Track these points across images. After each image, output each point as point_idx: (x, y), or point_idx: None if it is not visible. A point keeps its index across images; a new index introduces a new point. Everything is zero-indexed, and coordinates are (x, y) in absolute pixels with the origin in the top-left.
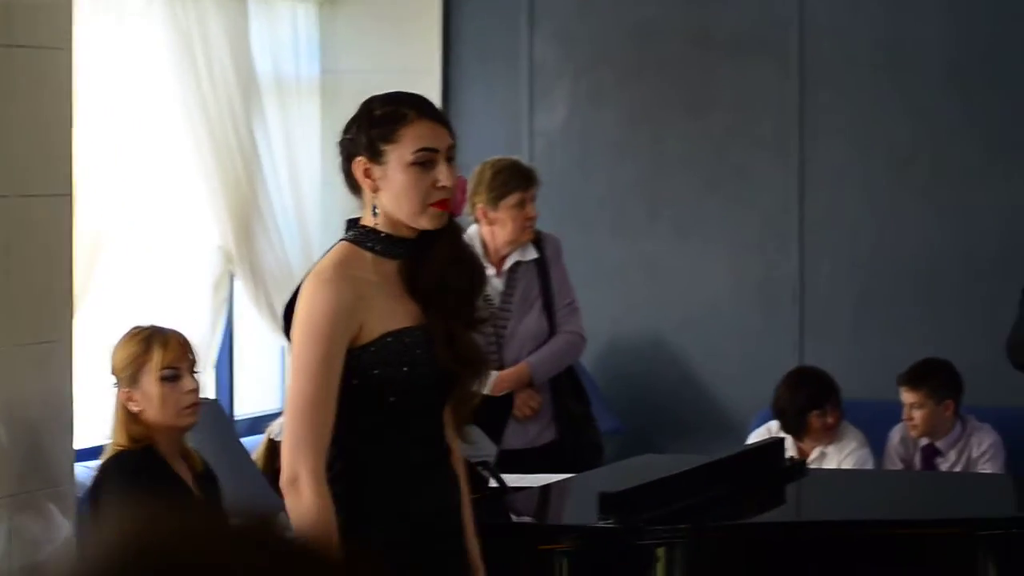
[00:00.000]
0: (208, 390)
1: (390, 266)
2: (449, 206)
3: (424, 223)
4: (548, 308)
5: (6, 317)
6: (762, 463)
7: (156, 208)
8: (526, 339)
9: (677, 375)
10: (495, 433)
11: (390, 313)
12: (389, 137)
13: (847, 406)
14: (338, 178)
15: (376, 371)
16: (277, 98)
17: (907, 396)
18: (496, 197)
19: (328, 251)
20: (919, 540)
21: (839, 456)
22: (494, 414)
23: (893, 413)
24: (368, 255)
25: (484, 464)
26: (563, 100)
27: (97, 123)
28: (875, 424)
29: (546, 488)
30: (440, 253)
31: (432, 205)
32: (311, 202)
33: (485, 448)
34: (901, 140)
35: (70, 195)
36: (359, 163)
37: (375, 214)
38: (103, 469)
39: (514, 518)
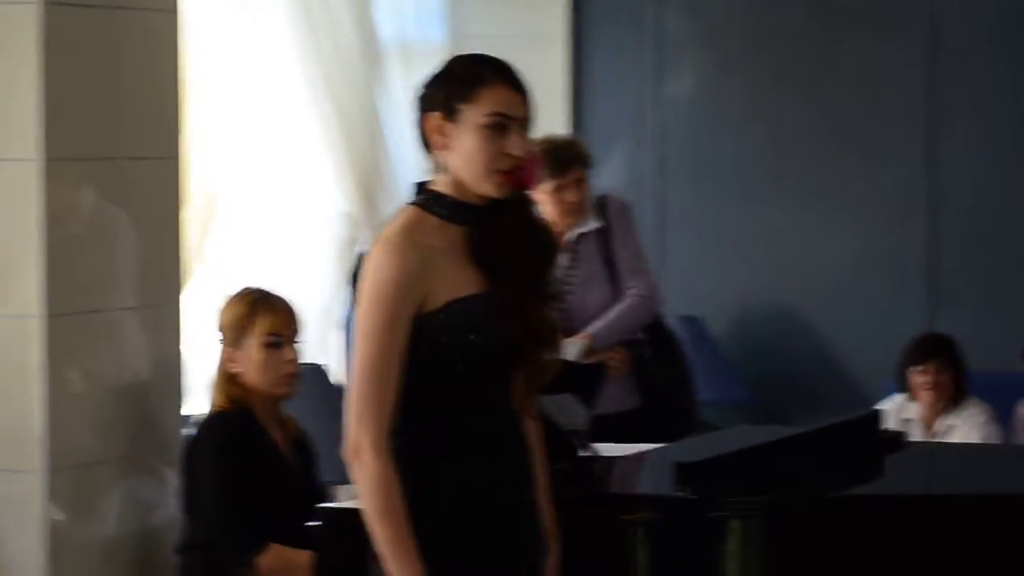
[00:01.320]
0: (330, 355)
1: (456, 232)
2: (516, 178)
3: (487, 189)
4: (613, 276)
5: (113, 281)
6: (856, 435)
7: (277, 173)
8: (593, 310)
9: (806, 345)
10: (588, 400)
11: (456, 280)
12: (466, 96)
13: (975, 378)
14: None
15: (444, 339)
16: (402, 64)
17: None
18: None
19: (396, 214)
20: (1016, 518)
21: (965, 429)
22: (587, 380)
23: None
24: (434, 220)
25: (575, 432)
26: (691, 68)
27: (214, 87)
28: (1004, 396)
29: (635, 457)
30: (509, 223)
31: (498, 172)
32: None
33: (577, 416)
34: None
35: (176, 158)
36: (433, 118)
37: (444, 173)
38: (199, 429)
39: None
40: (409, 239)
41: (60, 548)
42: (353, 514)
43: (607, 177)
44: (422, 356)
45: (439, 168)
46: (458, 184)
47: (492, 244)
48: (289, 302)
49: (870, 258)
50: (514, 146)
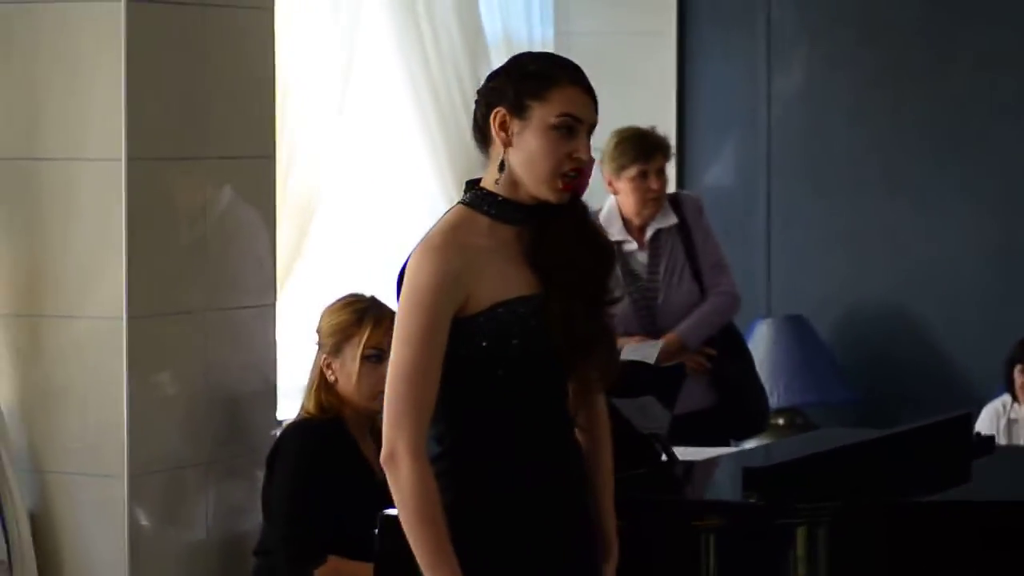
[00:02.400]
0: None
1: (507, 231)
2: (575, 184)
3: (546, 193)
4: (696, 272)
5: (207, 281)
6: (944, 438)
7: (377, 173)
8: (679, 308)
9: (917, 346)
10: (668, 402)
11: (503, 281)
12: (538, 93)
13: None
14: None
15: (484, 343)
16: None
17: None
18: (618, 167)
19: (444, 214)
20: None
21: None
22: (666, 383)
23: None
24: (484, 219)
25: (655, 436)
26: (800, 63)
27: (313, 85)
28: None
29: (712, 461)
30: (566, 227)
31: (560, 177)
32: None
33: (658, 419)
34: None
35: (272, 157)
36: (499, 113)
37: (501, 170)
38: (284, 433)
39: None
40: (451, 240)
41: (145, 553)
42: None
43: (715, 175)
44: (462, 360)
45: (494, 165)
46: (512, 183)
47: (548, 245)
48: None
49: (984, 257)
50: (581, 150)
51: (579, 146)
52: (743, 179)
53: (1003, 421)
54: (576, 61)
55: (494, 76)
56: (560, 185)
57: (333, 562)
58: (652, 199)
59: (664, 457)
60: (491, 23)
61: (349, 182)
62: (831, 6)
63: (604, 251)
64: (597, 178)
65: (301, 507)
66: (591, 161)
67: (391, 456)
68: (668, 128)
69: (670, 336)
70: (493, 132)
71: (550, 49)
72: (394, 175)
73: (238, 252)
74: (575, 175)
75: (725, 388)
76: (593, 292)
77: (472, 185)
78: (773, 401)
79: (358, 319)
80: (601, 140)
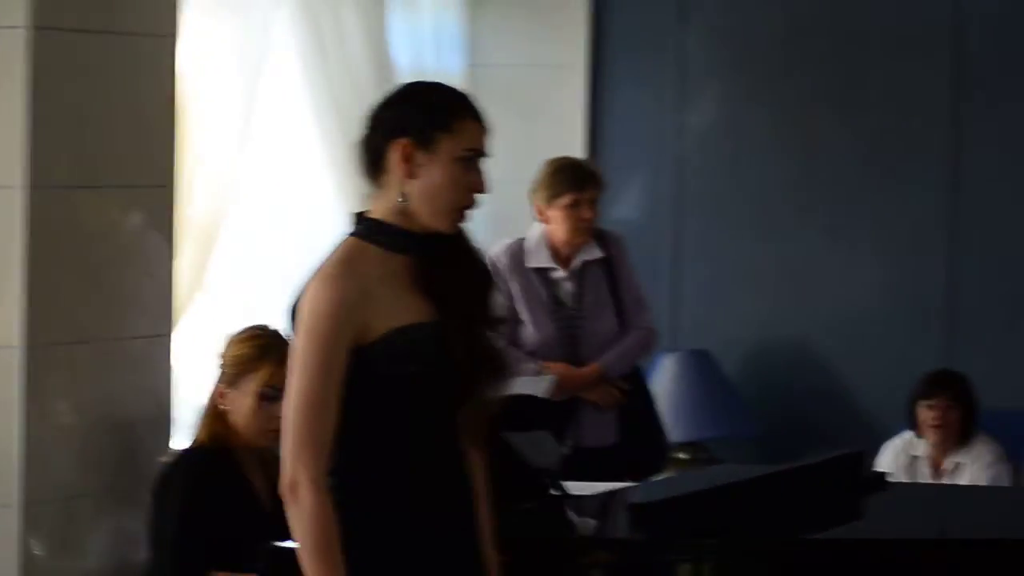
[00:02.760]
0: None
1: (398, 261)
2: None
3: (444, 224)
4: (619, 306)
5: (104, 310)
6: (836, 475)
7: (281, 202)
8: (603, 338)
9: (821, 382)
10: (560, 437)
11: (397, 308)
12: (446, 126)
13: (995, 416)
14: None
15: (382, 370)
16: None
17: None
18: (551, 196)
19: (335, 246)
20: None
21: (973, 468)
22: (559, 416)
23: None
24: (376, 249)
25: (546, 471)
26: (713, 97)
27: (217, 112)
28: (1020, 436)
29: (603, 496)
30: (455, 254)
31: (460, 209)
32: None
33: (550, 454)
34: None
35: (171, 186)
36: (401, 144)
37: (403, 200)
38: (172, 463)
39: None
40: (345, 270)
41: None
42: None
43: (623, 208)
44: (360, 389)
45: (386, 195)
46: (403, 213)
47: (438, 272)
48: None
49: (888, 294)
50: (482, 183)
51: (479, 178)
52: (652, 212)
53: (905, 458)
54: (487, 93)
55: (389, 105)
56: (458, 217)
57: None
58: (584, 228)
59: (555, 492)
60: (401, 53)
61: (253, 212)
62: (744, 40)
63: (488, 274)
64: (522, 206)
65: (189, 534)
66: (486, 191)
67: (292, 487)
68: None
69: (593, 366)
70: (392, 163)
71: (461, 81)
72: (299, 205)
73: (136, 281)
74: (472, 206)
75: (628, 424)
76: (484, 314)
77: (360, 217)
78: (677, 435)
79: (260, 355)
80: (521, 171)
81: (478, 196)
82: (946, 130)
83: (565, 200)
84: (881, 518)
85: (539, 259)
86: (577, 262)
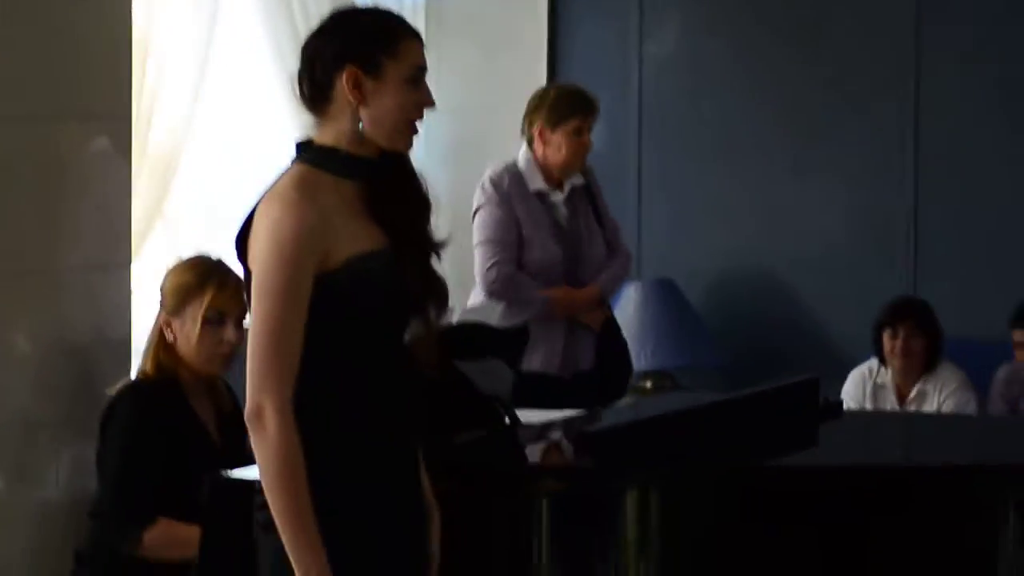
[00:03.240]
0: None
1: (350, 187)
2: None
3: (401, 144)
4: (603, 231)
5: (60, 241)
6: (792, 402)
7: (240, 134)
8: (597, 262)
9: (786, 311)
10: (512, 364)
11: (354, 236)
12: (390, 51)
13: (960, 345)
14: (443, 100)
15: (344, 296)
16: None
17: (1018, 335)
18: (557, 120)
19: (281, 174)
20: (946, 490)
21: (938, 397)
22: (510, 345)
23: (1005, 354)
24: (327, 177)
25: (497, 399)
26: (674, 27)
27: (177, 44)
28: (988, 364)
29: (556, 424)
30: (402, 180)
31: (411, 125)
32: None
33: (502, 382)
34: (1020, 72)
35: (128, 118)
36: (349, 73)
37: (357, 127)
38: (117, 395)
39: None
40: (304, 195)
41: None
42: (241, 484)
43: None
44: (322, 316)
45: (336, 123)
46: (353, 139)
47: (390, 198)
48: (242, 279)
49: (853, 223)
50: (429, 99)
51: (427, 96)
52: (614, 143)
53: (869, 386)
54: (449, 21)
55: (325, 34)
56: (411, 133)
57: (163, 524)
58: (584, 154)
59: (507, 420)
60: None
61: (211, 143)
62: None
63: (428, 201)
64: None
65: (132, 468)
66: (433, 106)
67: (257, 414)
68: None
69: (592, 287)
70: (341, 91)
71: (421, 10)
72: (258, 135)
73: (92, 211)
74: (421, 117)
75: (600, 350)
76: (431, 240)
77: (307, 145)
78: (640, 364)
79: (201, 281)
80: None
81: (426, 111)
82: (908, 57)
83: (571, 125)
84: (835, 446)
85: (536, 182)
86: (568, 187)
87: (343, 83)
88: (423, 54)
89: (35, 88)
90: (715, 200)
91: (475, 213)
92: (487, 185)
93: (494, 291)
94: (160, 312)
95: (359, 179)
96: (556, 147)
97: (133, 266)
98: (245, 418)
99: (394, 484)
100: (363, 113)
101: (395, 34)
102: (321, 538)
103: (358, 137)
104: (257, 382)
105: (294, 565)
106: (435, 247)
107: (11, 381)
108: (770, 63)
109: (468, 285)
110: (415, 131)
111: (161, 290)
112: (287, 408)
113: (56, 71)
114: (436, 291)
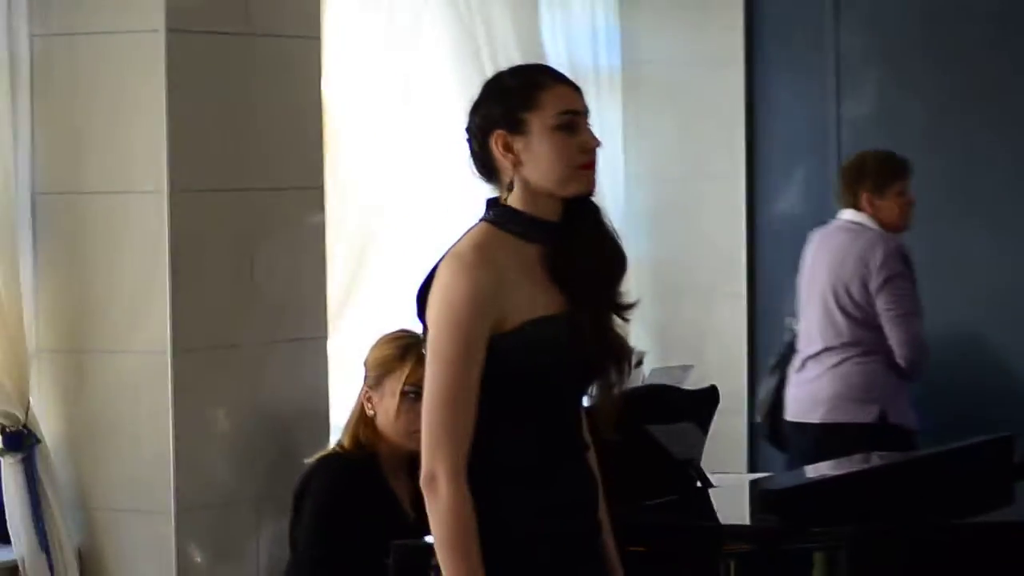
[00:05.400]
0: None
1: (532, 250)
2: (593, 165)
3: (573, 189)
4: None
5: (255, 314)
6: (984, 460)
7: (435, 208)
8: None
9: (985, 373)
10: (704, 427)
11: (532, 300)
12: (529, 104)
13: None
14: (642, 168)
15: (517, 361)
16: None
17: None
18: (882, 185)
19: (466, 232)
20: None
21: None
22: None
23: None
24: (509, 237)
25: (689, 462)
26: (870, 88)
27: (370, 113)
28: None
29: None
30: (584, 235)
31: (580, 168)
32: (612, 198)
33: (693, 445)
34: None
35: (321, 188)
36: (498, 137)
37: (510, 189)
38: (312, 469)
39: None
40: (483, 256)
41: None
42: (424, 550)
43: (786, 201)
44: (493, 379)
45: (507, 190)
46: (533, 200)
47: (569, 260)
48: None
49: None
50: (588, 137)
51: (585, 135)
52: (815, 205)
53: None
54: (645, 88)
55: (476, 108)
56: (582, 176)
57: None
58: (910, 212)
59: (699, 484)
60: (554, 50)
61: (407, 212)
62: (901, 29)
63: (618, 253)
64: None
65: (322, 543)
66: (599, 144)
67: (431, 479)
68: (738, 154)
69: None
70: (498, 157)
71: (617, 80)
72: (453, 204)
73: (287, 284)
74: (591, 162)
75: None
76: (614, 301)
77: (494, 203)
78: None
79: (401, 354)
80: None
81: (591, 150)
82: None
83: (895, 188)
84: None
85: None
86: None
87: (497, 150)
88: (573, 96)
89: (225, 160)
90: (916, 262)
91: (885, 282)
92: (896, 254)
93: (924, 364)
94: (363, 386)
95: (540, 242)
96: (888, 211)
97: (331, 340)
98: (420, 483)
99: (570, 548)
100: (524, 172)
101: (533, 86)
102: None
103: (534, 198)
104: (430, 448)
105: None
106: (620, 308)
107: (211, 456)
108: (966, 119)
109: (683, 346)
110: (588, 171)
111: (364, 364)
112: (460, 473)
113: (247, 142)
114: (616, 354)
